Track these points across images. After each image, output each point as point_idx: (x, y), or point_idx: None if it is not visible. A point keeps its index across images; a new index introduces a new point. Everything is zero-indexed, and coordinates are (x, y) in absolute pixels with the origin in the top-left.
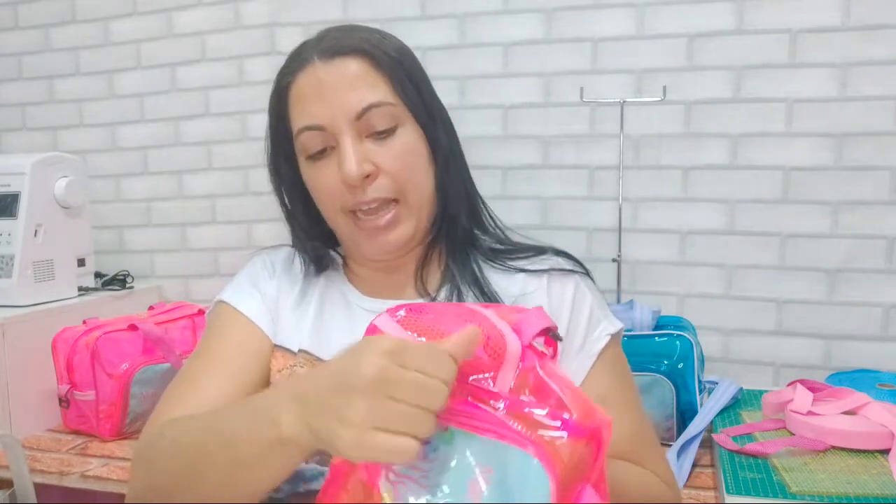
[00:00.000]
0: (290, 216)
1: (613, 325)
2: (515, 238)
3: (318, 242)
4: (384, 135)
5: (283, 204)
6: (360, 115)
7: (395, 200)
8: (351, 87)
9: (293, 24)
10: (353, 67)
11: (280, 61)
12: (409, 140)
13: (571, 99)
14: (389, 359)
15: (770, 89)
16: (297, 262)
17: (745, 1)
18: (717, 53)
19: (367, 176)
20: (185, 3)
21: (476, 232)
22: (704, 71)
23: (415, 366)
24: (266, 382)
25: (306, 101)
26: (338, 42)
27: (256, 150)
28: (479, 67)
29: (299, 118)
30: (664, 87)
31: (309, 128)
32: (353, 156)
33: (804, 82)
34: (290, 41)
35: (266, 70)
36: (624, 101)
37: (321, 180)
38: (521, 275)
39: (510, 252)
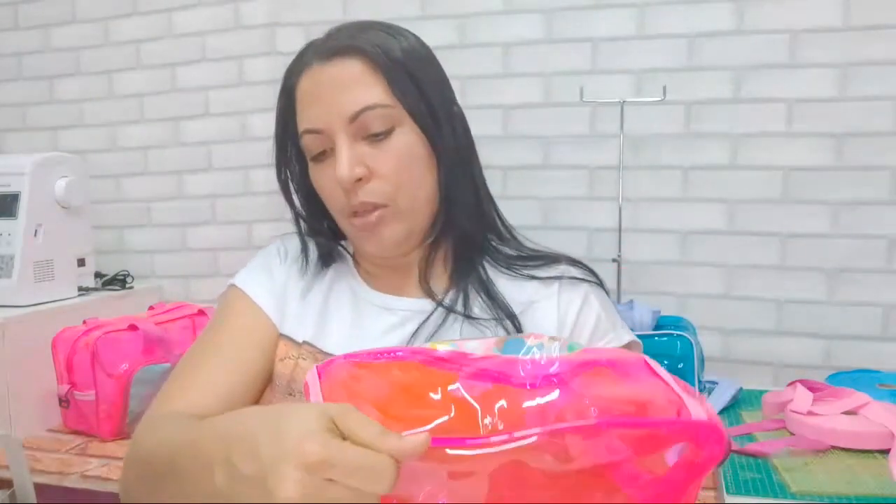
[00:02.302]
0: (297, 213)
1: (620, 338)
2: (529, 245)
3: (323, 239)
4: (380, 137)
5: (289, 201)
6: (355, 118)
7: (384, 206)
8: (346, 88)
9: (293, 24)
10: (349, 68)
11: (280, 61)
12: (406, 143)
13: (571, 99)
14: (314, 475)
15: (770, 89)
16: (310, 249)
17: (745, 1)
18: (717, 53)
19: (360, 179)
20: (185, 3)
21: (488, 236)
22: (704, 71)
23: (346, 482)
24: (270, 371)
25: (306, 103)
26: (337, 42)
27: (256, 150)
28: (479, 67)
29: (301, 121)
30: (664, 87)
31: (308, 131)
32: (345, 160)
33: (804, 82)
34: (290, 41)
35: (266, 70)
36: (624, 101)
37: (322, 182)
38: (532, 282)
39: (522, 259)
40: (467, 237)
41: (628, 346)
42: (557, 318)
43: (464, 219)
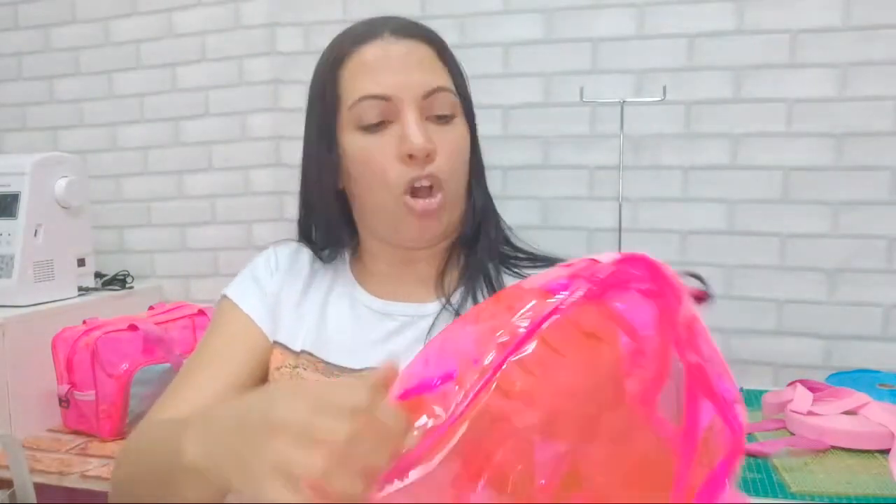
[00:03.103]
0: (309, 196)
1: None
2: (524, 246)
3: (334, 226)
4: (444, 120)
5: (317, 183)
6: (428, 95)
7: (443, 186)
8: (422, 66)
9: (293, 24)
10: (423, 50)
11: (280, 61)
12: (462, 132)
13: (571, 99)
14: (312, 403)
15: (770, 89)
16: (302, 257)
17: (745, 1)
18: (717, 53)
19: (428, 154)
20: (185, 3)
21: (495, 237)
22: (704, 71)
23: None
24: (264, 380)
25: (373, 70)
26: (410, 26)
27: (256, 150)
28: (479, 67)
29: (361, 86)
30: (664, 87)
31: (373, 96)
32: (420, 128)
33: (804, 82)
34: (290, 41)
35: (266, 70)
36: (624, 101)
37: (373, 154)
38: None
39: (521, 260)
40: (485, 237)
41: None
42: None
43: (485, 218)
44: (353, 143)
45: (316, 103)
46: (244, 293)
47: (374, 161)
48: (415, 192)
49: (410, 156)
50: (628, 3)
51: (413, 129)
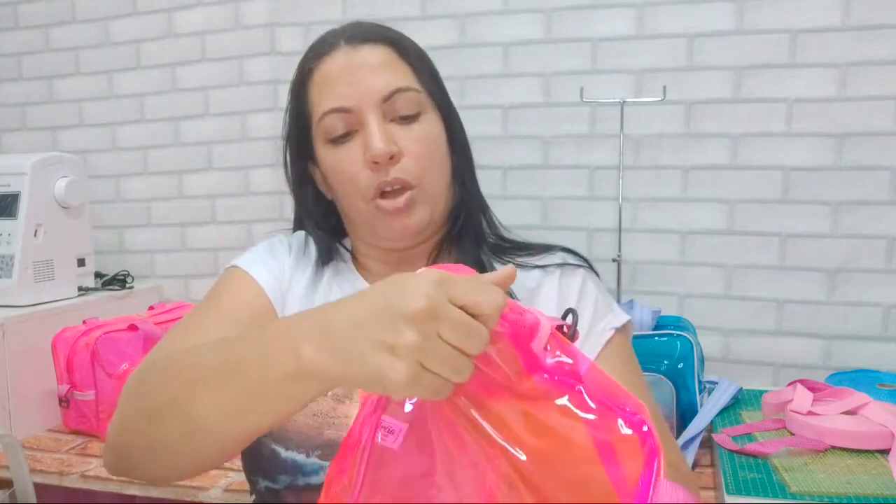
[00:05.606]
0: (303, 206)
1: (619, 319)
2: (516, 238)
3: (324, 234)
4: (408, 120)
5: (302, 196)
6: (387, 98)
7: (413, 186)
8: (378, 71)
9: (293, 24)
10: (380, 54)
11: (280, 61)
12: (432, 128)
13: (571, 99)
14: (438, 291)
15: (770, 89)
16: (311, 247)
17: (745, 1)
18: (717, 53)
19: (392, 157)
20: (185, 3)
21: (485, 228)
22: (704, 71)
23: (462, 301)
24: None
25: (332, 83)
26: (365, 31)
27: (256, 150)
28: (479, 67)
29: (324, 101)
30: (664, 87)
31: (335, 110)
32: (380, 134)
33: (804, 82)
34: (290, 41)
35: (266, 70)
36: (624, 101)
37: (343, 164)
38: (535, 271)
39: (517, 249)
40: (473, 229)
41: (625, 325)
42: (557, 302)
43: (472, 211)
44: (326, 156)
45: (291, 121)
46: (258, 266)
47: (345, 171)
48: (385, 194)
49: (375, 162)
50: (628, 3)
51: (374, 136)
